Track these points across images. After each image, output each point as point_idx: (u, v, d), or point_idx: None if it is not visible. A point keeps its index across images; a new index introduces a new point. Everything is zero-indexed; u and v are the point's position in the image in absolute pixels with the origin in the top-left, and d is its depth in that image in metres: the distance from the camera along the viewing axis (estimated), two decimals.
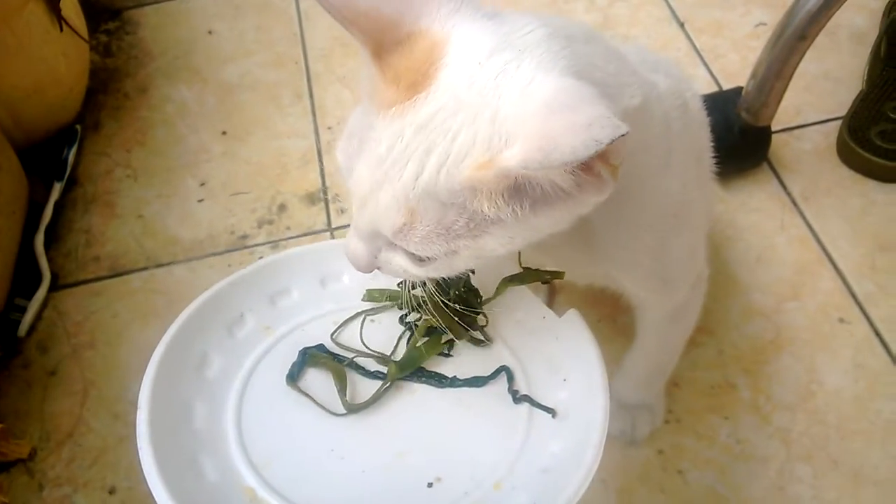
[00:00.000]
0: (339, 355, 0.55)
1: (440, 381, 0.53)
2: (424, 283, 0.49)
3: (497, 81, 0.37)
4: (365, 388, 0.54)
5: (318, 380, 0.54)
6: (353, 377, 0.55)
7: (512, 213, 0.38)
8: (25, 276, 0.91)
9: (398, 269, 0.44)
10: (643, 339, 0.65)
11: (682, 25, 1.11)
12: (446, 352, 0.55)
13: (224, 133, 1.07)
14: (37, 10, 0.94)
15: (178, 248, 0.95)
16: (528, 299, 0.56)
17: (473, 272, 0.51)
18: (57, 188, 0.99)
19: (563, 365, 0.53)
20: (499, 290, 0.54)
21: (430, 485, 0.47)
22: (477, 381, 0.53)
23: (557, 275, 0.53)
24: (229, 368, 0.53)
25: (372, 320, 0.57)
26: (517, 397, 0.52)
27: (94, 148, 1.07)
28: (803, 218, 0.89)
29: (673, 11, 1.13)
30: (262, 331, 0.56)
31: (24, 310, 0.87)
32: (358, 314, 0.58)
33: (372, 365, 0.55)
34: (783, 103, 0.87)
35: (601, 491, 0.71)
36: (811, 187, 0.91)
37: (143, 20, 1.25)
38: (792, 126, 0.98)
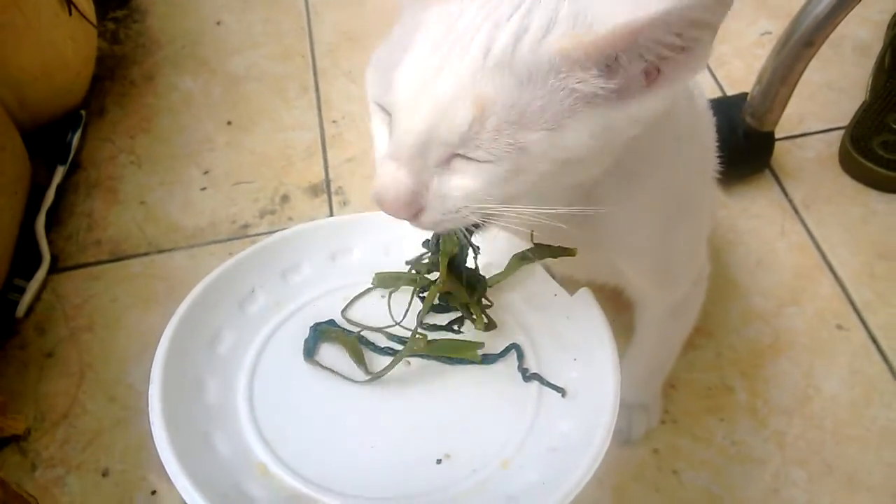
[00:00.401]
0: (349, 330, 0.55)
1: (450, 357, 0.53)
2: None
3: None
4: (374, 364, 0.53)
5: (331, 354, 0.54)
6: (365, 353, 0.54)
7: (598, 96, 0.35)
8: (25, 258, 0.91)
9: (456, 195, 0.38)
10: (642, 335, 0.65)
11: None
12: (456, 328, 0.54)
13: (229, 123, 1.07)
14: None
15: (180, 234, 0.95)
16: (539, 277, 0.55)
17: (478, 252, 0.49)
18: (60, 171, 0.99)
19: (574, 344, 0.52)
20: (510, 267, 0.53)
21: (439, 461, 0.47)
22: (486, 359, 0.53)
23: (569, 251, 0.51)
24: (241, 344, 0.53)
25: (382, 296, 0.57)
26: (527, 376, 0.51)
27: (99, 133, 1.07)
28: (804, 225, 0.89)
29: None
30: (273, 306, 0.56)
31: (22, 290, 0.87)
32: (368, 290, 0.57)
33: (381, 341, 0.55)
34: (787, 112, 0.87)
35: (596, 488, 0.71)
36: (812, 195, 0.92)
37: (152, 9, 1.25)
38: (795, 134, 0.98)
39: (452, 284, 0.51)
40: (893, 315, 0.81)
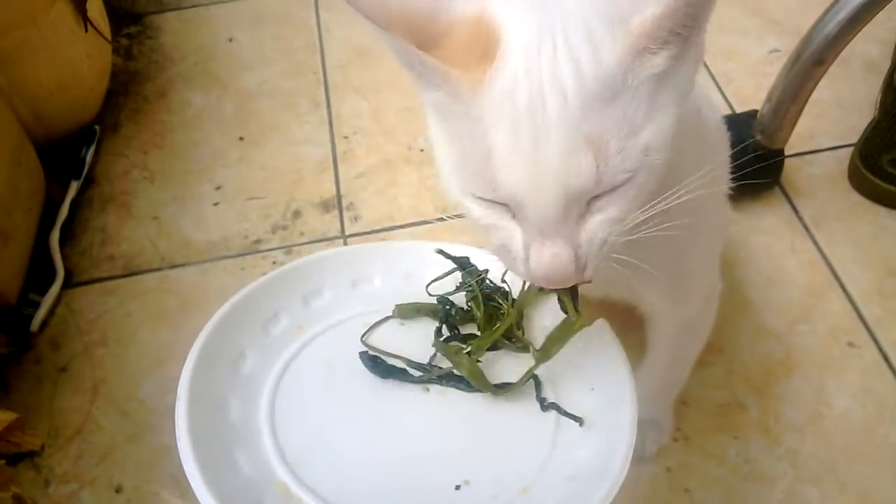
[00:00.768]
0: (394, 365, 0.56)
1: (468, 385, 0.53)
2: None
3: None
4: (391, 391, 0.54)
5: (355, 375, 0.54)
6: (382, 381, 0.55)
7: (667, 59, 0.35)
8: (40, 273, 0.91)
9: (603, 234, 0.38)
10: (655, 352, 0.66)
11: None
12: (475, 358, 0.55)
13: (241, 139, 1.08)
14: (64, 9, 0.96)
15: (192, 250, 0.96)
16: (557, 308, 0.56)
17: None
18: (74, 186, 1.00)
19: (591, 374, 0.53)
20: (528, 297, 0.54)
21: (457, 487, 0.48)
22: (504, 388, 0.53)
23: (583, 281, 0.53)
24: (263, 365, 0.54)
25: (401, 324, 0.58)
26: (545, 405, 0.52)
27: (112, 149, 1.08)
28: (814, 242, 0.90)
29: None
30: (295, 329, 0.57)
31: (37, 305, 0.88)
32: (388, 317, 0.58)
33: (401, 365, 0.55)
34: (796, 129, 0.88)
35: None
36: (822, 212, 0.92)
37: (165, 25, 1.27)
38: (805, 151, 0.99)
39: (506, 318, 0.53)
40: None
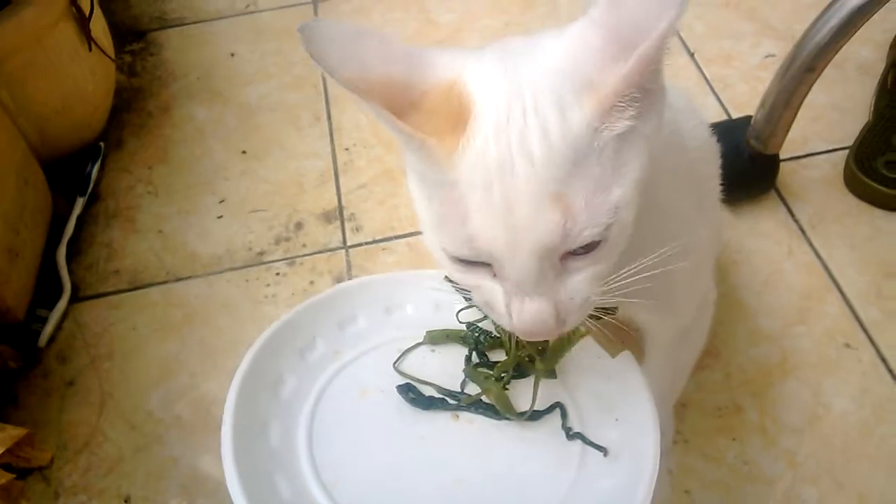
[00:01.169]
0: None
1: (497, 413, 0.55)
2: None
3: (529, 60, 0.38)
4: (420, 417, 0.56)
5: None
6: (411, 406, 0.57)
7: (632, 118, 0.37)
8: (47, 288, 0.93)
9: (582, 287, 0.40)
10: (651, 361, 0.66)
11: (692, 55, 1.14)
12: (503, 386, 0.56)
13: (244, 152, 1.10)
14: (67, 29, 0.98)
15: (197, 263, 0.97)
16: (582, 340, 0.57)
17: None
18: (80, 203, 1.02)
19: (616, 405, 0.54)
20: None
21: None
22: (531, 415, 0.55)
23: (612, 311, 0.53)
24: (301, 390, 0.56)
25: (432, 350, 0.60)
26: (570, 434, 0.53)
27: (117, 164, 1.09)
28: (810, 245, 0.90)
29: (683, 42, 1.16)
30: (331, 355, 0.59)
31: (44, 320, 0.89)
32: (419, 343, 0.60)
33: (429, 391, 0.57)
34: (791, 133, 0.89)
35: None
36: (818, 215, 0.93)
37: (167, 42, 1.29)
38: (800, 155, 1.00)
39: (532, 345, 0.55)
40: None
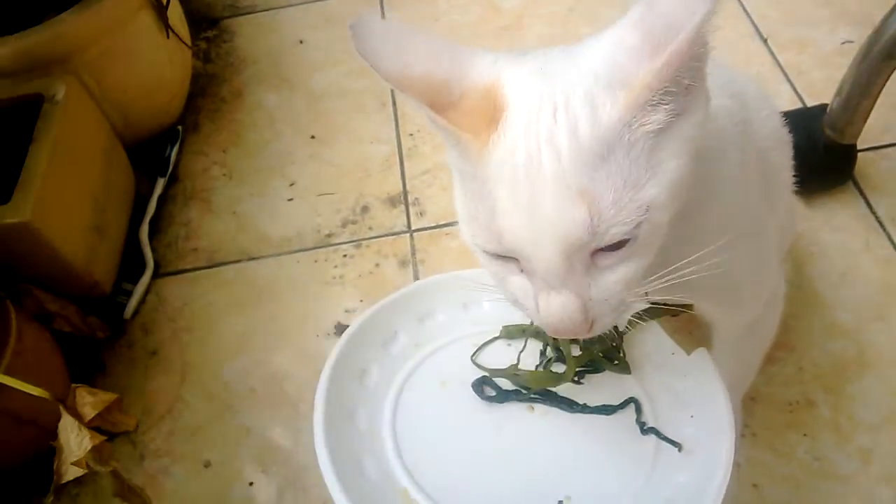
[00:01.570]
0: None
1: (571, 406, 0.56)
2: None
3: (566, 62, 0.39)
4: (498, 410, 0.57)
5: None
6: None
7: (665, 118, 0.37)
8: (131, 263, 0.98)
9: (617, 288, 0.39)
10: (718, 354, 0.65)
11: (765, 41, 1.11)
12: (577, 380, 0.58)
13: (312, 137, 1.13)
14: (146, 18, 1.02)
15: (269, 243, 1.00)
16: (657, 335, 0.58)
17: None
18: (160, 183, 1.06)
19: (691, 402, 0.55)
20: (630, 326, 0.57)
21: (560, 502, 0.51)
22: (606, 410, 0.56)
23: (686, 307, 0.54)
24: (385, 379, 0.59)
25: (508, 344, 0.61)
26: (644, 429, 0.54)
27: (194, 147, 1.14)
28: (889, 238, 0.88)
29: (756, 27, 1.13)
30: (412, 347, 0.61)
31: (129, 294, 0.94)
32: (496, 338, 0.62)
33: (506, 385, 0.59)
34: (870, 121, 0.86)
35: None
36: None
37: (239, 29, 1.32)
38: (879, 145, 0.96)
39: (603, 342, 0.56)
40: None
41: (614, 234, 0.37)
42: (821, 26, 1.12)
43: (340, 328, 0.91)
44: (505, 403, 0.58)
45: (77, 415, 0.60)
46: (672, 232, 0.47)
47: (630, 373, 0.57)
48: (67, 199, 0.86)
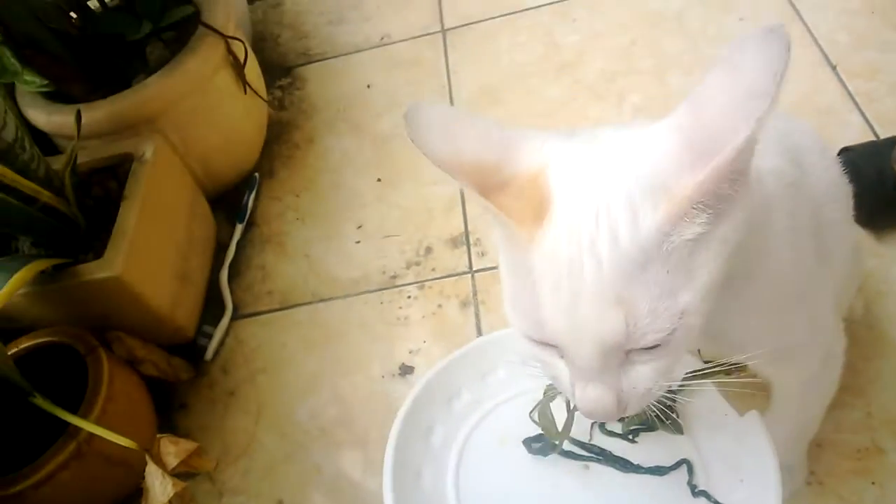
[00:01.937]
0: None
1: (625, 466, 0.58)
2: None
3: (609, 158, 0.39)
4: (555, 465, 0.60)
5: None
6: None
7: (704, 224, 0.38)
8: (212, 306, 1.05)
9: (646, 379, 0.41)
10: (777, 406, 0.64)
11: (834, 68, 1.08)
12: (631, 438, 0.59)
13: (379, 180, 1.18)
14: (226, 77, 1.10)
15: (338, 285, 1.06)
16: (711, 396, 0.59)
17: None
18: (238, 229, 1.14)
19: (741, 465, 0.55)
20: (685, 386, 0.58)
21: None
22: (658, 471, 0.57)
23: (741, 367, 0.55)
24: (449, 437, 0.62)
25: (567, 400, 0.63)
26: (695, 491, 0.55)
27: (269, 193, 1.21)
28: None
29: (824, 53, 1.10)
30: (474, 404, 0.64)
31: (210, 336, 1.01)
32: (554, 395, 0.63)
33: (564, 444, 0.61)
34: None
35: None
36: None
37: (311, 76, 1.40)
38: None
39: (660, 401, 0.57)
40: None
41: (649, 340, 0.39)
42: (893, 51, 1.08)
43: (405, 369, 0.94)
44: (561, 462, 0.59)
45: (161, 463, 0.65)
46: (717, 304, 0.48)
47: (682, 433, 0.58)
48: (154, 251, 0.93)
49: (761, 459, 0.54)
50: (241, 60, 1.12)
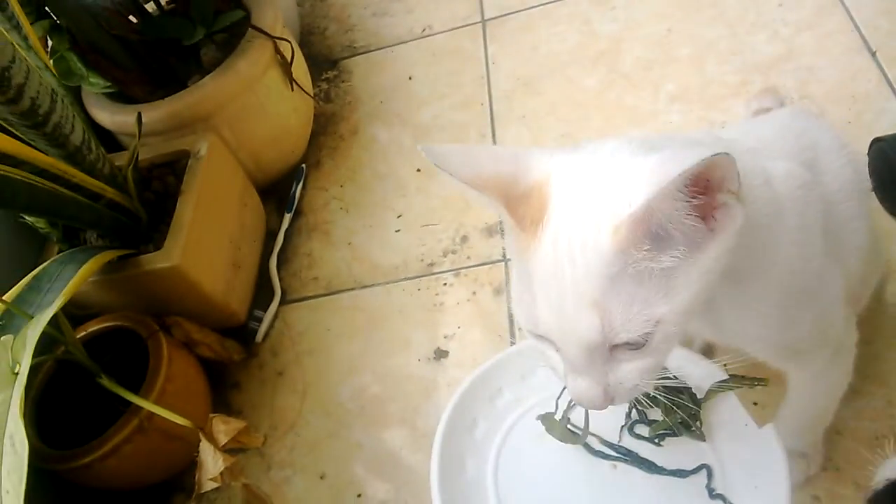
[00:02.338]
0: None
1: (650, 467, 0.62)
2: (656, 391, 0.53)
3: (603, 171, 0.43)
4: (589, 463, 0.64)
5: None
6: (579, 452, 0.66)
7: (671, 259, 0.41)
8: (261, 292, 1.13)
9: (631, 376, 0.45)
10: (791, 395, 0.67)
11: (873, 55, 1.07)
12: (657, 442, 0.64)
13: (418, 170, 1.22)
14: (274, 75, 1.16)
15: (379, 272, 1.11)
16: (732, 405, 0.62)
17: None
18: (287, 219, 1.21)
19: (756, 473, 0.59)
20: (708, 396, 0.62)
21: None
22: (680, 473, 0.61)
23: (762, 381, 0.59)
24: (490, 431, 0.67)
25: None
26: (713, 494, 0.59)
27: (315, 183, 1.27)
28: None
29: (865, 40, 1.09)
30: (514, 402, 0.69)
31: (260, 320, 1.08)
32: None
33: (595, 443, 0.66)
34: None
35: None
36: None
37: (355, 68, 1.45)
38: None
39: (685, 409, 0.61)
40: None
41: (623, 339, 0.43)
42: None
43: (440, 353, 1.00)
44: (591, 460, 0.64)
45: (213, 440, 0.73)
46: (724, 298, 0.51)
47: (704, 440, 0.62)
48: (209, 241, 1.01)
49: (775, 468, 0.57)
50: (289, 60, 1.18)
